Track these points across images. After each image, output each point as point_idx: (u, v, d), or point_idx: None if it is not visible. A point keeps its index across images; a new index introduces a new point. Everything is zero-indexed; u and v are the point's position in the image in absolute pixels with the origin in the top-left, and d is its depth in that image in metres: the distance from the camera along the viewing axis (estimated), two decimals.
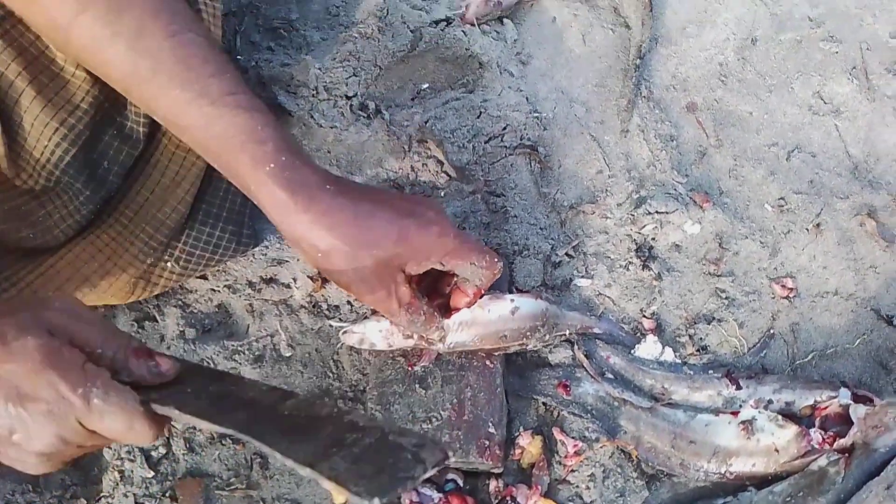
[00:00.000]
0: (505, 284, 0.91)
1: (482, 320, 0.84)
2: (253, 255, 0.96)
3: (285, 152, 0.68)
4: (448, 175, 1.00)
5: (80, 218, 0.78)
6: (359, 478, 0.54)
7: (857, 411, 0.85)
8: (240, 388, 0.65)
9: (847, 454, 0.84)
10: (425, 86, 1.04)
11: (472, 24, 1.03)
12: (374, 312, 0.87)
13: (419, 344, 0.84)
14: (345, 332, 0.87)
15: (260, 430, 0.59)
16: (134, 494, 0.86)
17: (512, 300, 0.86)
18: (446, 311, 0.84)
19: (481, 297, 0.83)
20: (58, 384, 0.56)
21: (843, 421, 0.87)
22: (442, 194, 1.00)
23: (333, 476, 0.54)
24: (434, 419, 0.81)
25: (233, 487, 0.87)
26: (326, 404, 0.73)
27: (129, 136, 0.82)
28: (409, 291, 0.77)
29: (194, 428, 0.89)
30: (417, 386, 0.83)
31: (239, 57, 1.05)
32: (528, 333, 0.85)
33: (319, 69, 1.01)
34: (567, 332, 0.89)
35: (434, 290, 0.85)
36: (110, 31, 0.64)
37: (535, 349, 0.88)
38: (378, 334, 0.85)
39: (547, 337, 0.87)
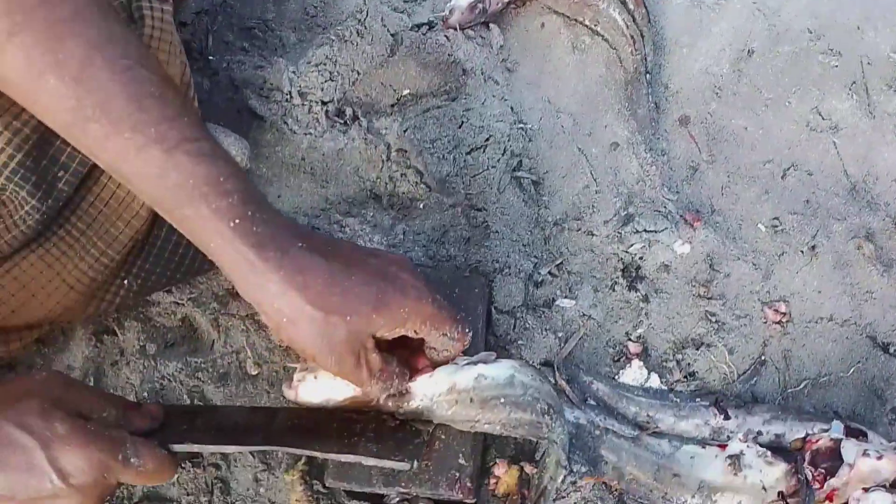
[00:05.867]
0: (483, 306, 0.86)
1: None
2: None
3: (252, 205, 0.62)
4: (428, 186, 0.95)
5: (27, 229, 0.73)
6: (390, 452, 0.70)
7: (849, 449, 0.81)
8: (223, 415, 0.76)
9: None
10: (406, 92, 1.00)
11: (456, 29, 0.99)
12: None
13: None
14: (297, 381, 0.76)
15: (284, 441, 0.71)
16: None
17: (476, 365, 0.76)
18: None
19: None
20: (97, 457, 0.61)
21: (835, 456, 0.83)
22: (421, 206, 0.95)
23: (373, 455, 0.70)
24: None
25: None
26: (313, 410, 0.76)
27: None
28: (380, 358, 0.70)
29: None
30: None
31: (211, 58, 1.00)
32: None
33: (294, 73, 0.96)
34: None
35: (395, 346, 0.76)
36: (51, 59, 0.57)
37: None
38: (335, 389, 0.74)
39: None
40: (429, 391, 0.73)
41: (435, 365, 0.74)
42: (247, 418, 0.74)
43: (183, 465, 0.84)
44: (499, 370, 0.75)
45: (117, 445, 0.63)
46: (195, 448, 0.69)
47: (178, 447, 0.68)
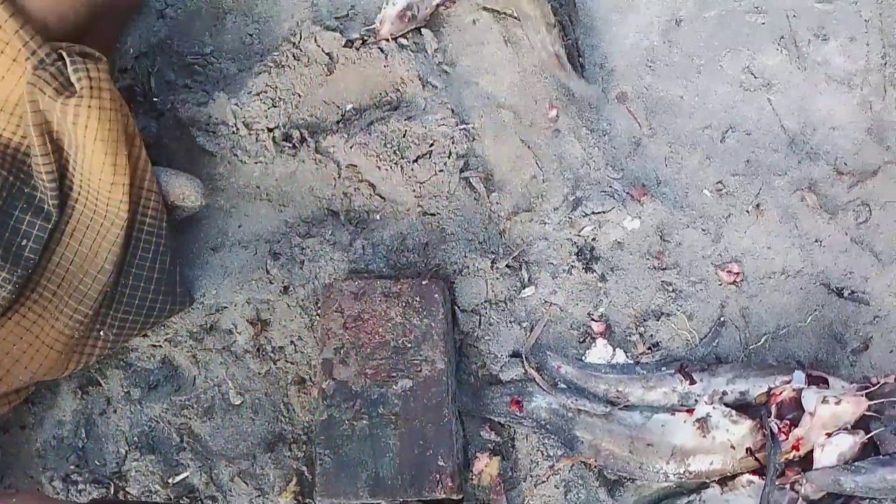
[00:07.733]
0: (446, 309, 0.89)
1: None
2: None
3: None
4: (382, 197, 0.98)
5: (1, 300, 0.76)
6: None
7: (809, 398, 0.84)
8: None
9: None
10: (349, 107, 1.02)
11: (388, 40, 1.00)
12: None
13: None
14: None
15: None
16: None
17: None
18: None
19: None
20: None
21: (800, 405, 0.86)
22: (377, 217, 0.98)
23: None
24: (384, 459, 0.80)
25: None
26: None
27: (40, 209, 0.80)
28: None
29: None
30: (365, 426, 0.81)
31: (155, 99, 1.02)
32: None
33: (236, 105, 0.98)
34: None
35: None
36: None
37: None
38: None
39: None
40: None
41: None
42: None
43: (181, 501, 0.88)
44: None
45: None
46: None
47: None
